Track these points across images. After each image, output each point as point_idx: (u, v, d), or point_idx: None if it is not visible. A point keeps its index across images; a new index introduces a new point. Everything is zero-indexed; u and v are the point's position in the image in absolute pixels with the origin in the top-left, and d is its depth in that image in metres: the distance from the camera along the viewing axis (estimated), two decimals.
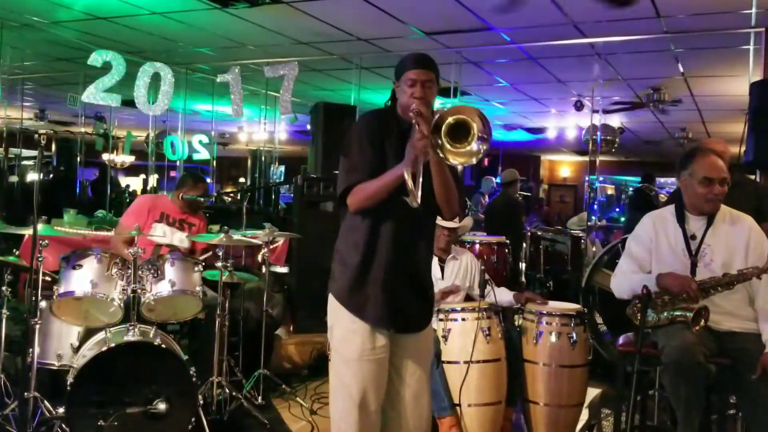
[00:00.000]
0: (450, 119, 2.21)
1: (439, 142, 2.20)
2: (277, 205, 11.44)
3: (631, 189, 18.07)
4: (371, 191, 2.41)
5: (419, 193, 2.27)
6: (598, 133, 7.98)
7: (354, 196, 2.45)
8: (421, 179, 2.28)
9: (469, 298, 4.22)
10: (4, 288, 3.80)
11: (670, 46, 6.62)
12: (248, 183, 15.52)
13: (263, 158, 12.63)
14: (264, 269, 4.74)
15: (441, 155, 2.20)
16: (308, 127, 8.97)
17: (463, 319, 3.73)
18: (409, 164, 2.28)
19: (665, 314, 3.11)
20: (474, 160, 2.25)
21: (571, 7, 5.58)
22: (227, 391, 4.13)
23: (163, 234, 4.48)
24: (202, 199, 4.62)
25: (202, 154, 9.02)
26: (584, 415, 4.07)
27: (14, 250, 3.98)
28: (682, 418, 2.94)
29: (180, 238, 4.55)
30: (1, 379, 3.80)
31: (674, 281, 3.10)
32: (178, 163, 9.13)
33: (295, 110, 7.44)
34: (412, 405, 2.63)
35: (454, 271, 4.20)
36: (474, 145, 2.22)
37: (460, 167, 2.38)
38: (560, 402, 3.82)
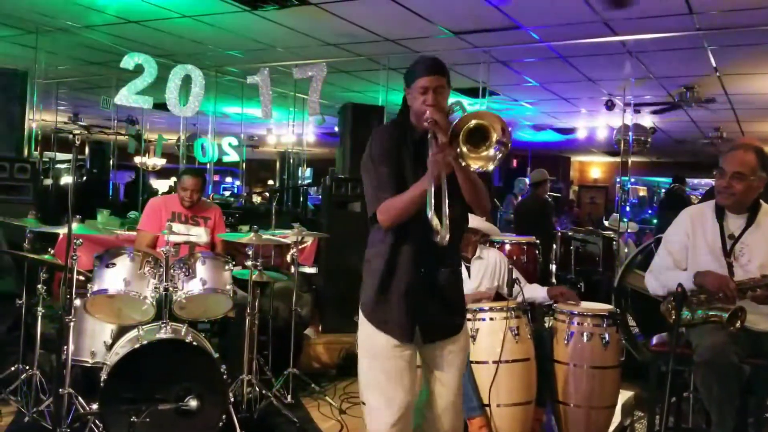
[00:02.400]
0: (469, 123, 2.19)
1: (458, 150, 2.19)
2: (305, 207, 11.49)
3: (662, 190, 17.83)
4: (399, 208, 2.40)
5: (446, 226, 2.24)
6: (630, 133, 7.88)
7: (384, 214, 2.44)
8: (446, 196, 2.25)
9: (500, 296, 4.19)
10: (39, 286, 3.88)
11: (703, 44, 6.51)
12: (277, 185, 15.62)
13: (292, 160, 12.71)
14: (293, 269, 4.76)
15: (461, 161, 2.20)
16: (336, 128, 9.00)
17: (491, 319, 3.70)
18: (432, 179, 2.26)
19: (700, 313, 3.05)
20: (491, 166, 2.23)
21: (601, 4, 5.51)
22: (257, 389, 4.16)
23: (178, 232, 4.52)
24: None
25: (232, 157, 9.10)
26: (617, 418, 4.02)
27: (49, 249, 4.05)
28: (715, 419, 2.88)
29: (197, 233, 4.60)
30: (37, 375, 3.89)
31: (712, 280, 3.03)
32: (208, 165, 9.22)
33: (323, 112, 7.45)
34: (449, 406, 2.62)
35: (481, 271, 4.16)
36: (492, 151, 2.21)
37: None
38: (592, 403, 3.76)
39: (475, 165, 2.22)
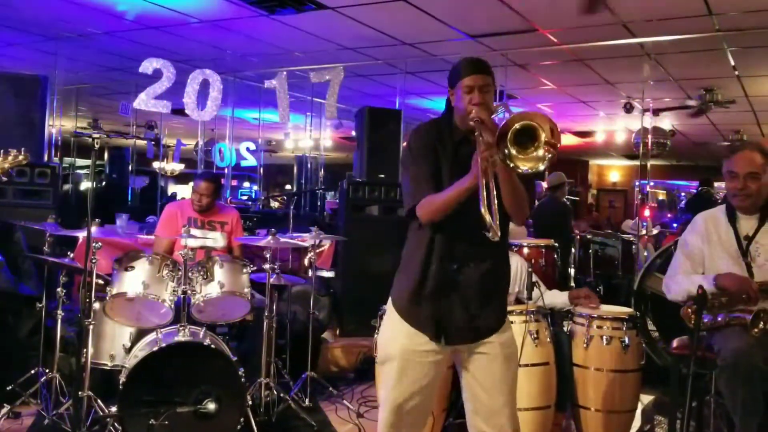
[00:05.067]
0: (517, 124, 2.16)
1: (506, 151, 2.15)
2: (322, 211, 11.51)
3: (683, 194, 17.65)
4: (439, 205, 2.36)
5: (496, 219, 2.19)
6: (649, 136, 7.80)
7: (423, 209, 2.41)
8: (495, 194, 2.21)
9: (518, 301, 4.16)
10: (59, 290, 3.91)
11: (723, 45, 6.45)
12: (294, 189, 15.67)
13: (309, 164, 12.73)
14: (310, 273, 4.77)
15: (509, 163, 2.16)
16: (353, 133, 9.01)
17: (511, 322, 3.66)
18: (480, 176, 2.22)
19: (721, 316, 3.01)
20: (541, 166, 2.18)
21: (620, 6, 5.47)
22: (275, 392, 4.16)
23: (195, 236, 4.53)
24: None
25: (250, 161, 9.15)
26: (637, 422, 3.98)
27: (69, 253, 4.08)
28: (739, 423, 2.84)
29: (214, 237, 4.61)
30: (57, 378, 3.92)
31: (734, 282, 3.00)
32: (226, 170, 9.27)
33: (340, 116, 7.47)
34: (495, 412, 2.52)
35: None
36: (541, 151, 2.17)
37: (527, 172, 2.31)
38: (612, 408, 3.73)
39: (524, 166, 2.17)
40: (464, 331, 2.50)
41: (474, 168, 2.25)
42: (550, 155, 2.17)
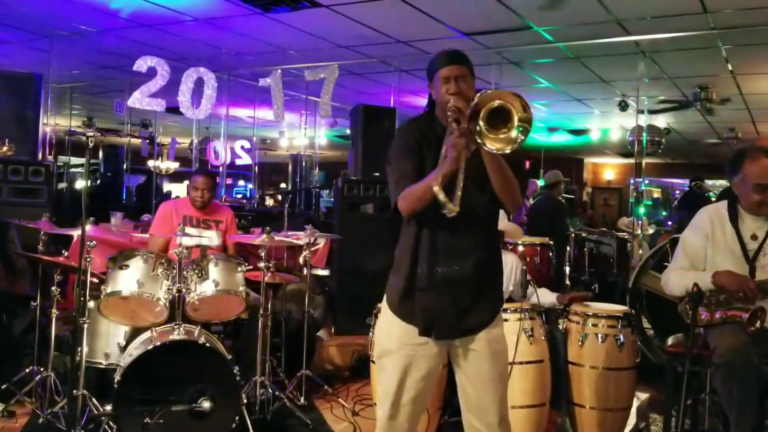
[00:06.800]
0: (492, 104, 2.14)
1: (478, 128, 2.13)
2: (318, 209, 11.50)
3: (677, 192, 17.69)
4: (415, 195, 2.36)
5: (457, 199, 2.18)
6: (644, 134, 7.81)
7: (403, 201, 2.41)
8: (461, 179, 2.20)
9: (510, 299, 4.17)
10: (53, 288, 3.90)
11: (717, 43, 6.46)
12: (289, 187, 15.65)
13: (304, 163, 12.72)
14: (305, 271, 4.76)
15: (478, 140, 2.13)
16: (348, 131, 9.01)
17: (505, 320, 3.66)
18: (449, 165, 2.21)
19: (719, 314, 3.01)
20: (509, 149, 2.16)
21: (615, 3, 5.48)
22: (270, 391, 4.15)
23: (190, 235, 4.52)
24: None
25: (244, 160, 9.13)
26: (631, 420, 3.98)
27: (63, 252, 4.07)
28: (734, 420, 2.85)
29: (209, 236, 4.60)
30: (51, 377, 3.91)
31: (732, 280, 3.00)
32: (221, 168, 9.25)
33: (335, 115, 7.45)
34: (484, 409, 2.52)
35: None
36: (513, 133, 2.15)
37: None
38: (607, 405, 3.74)
39: (492, 146, 2.15)
40: (453, 326, 2.50)
41: (445, 153, 2.24)
42: (522, 137, 2.15)
